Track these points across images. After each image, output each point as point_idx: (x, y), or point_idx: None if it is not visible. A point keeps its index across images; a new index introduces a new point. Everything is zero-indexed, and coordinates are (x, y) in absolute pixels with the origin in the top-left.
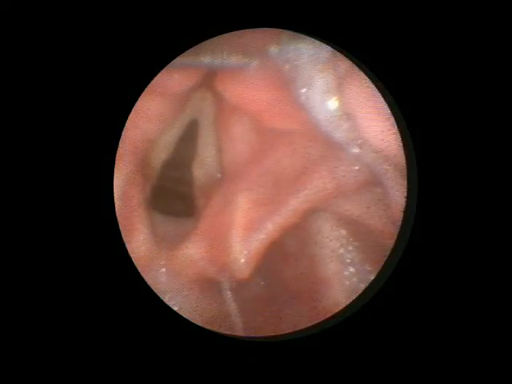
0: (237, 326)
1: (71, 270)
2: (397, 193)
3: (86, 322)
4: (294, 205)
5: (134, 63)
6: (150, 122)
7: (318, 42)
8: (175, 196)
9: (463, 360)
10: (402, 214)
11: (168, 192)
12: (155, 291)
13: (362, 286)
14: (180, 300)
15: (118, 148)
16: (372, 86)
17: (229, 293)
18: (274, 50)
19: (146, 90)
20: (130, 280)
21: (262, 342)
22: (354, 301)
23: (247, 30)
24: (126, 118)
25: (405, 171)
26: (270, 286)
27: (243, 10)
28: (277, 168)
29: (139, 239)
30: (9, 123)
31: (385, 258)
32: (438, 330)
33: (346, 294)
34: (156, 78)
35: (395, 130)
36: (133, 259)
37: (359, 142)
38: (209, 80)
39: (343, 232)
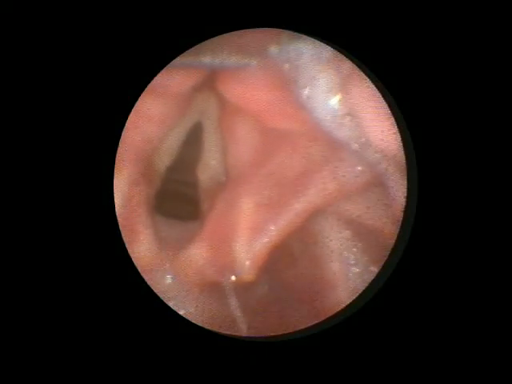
0: (240, 328)
1: (71, 270)
2: (397, 193)
3: (86, 321)
4: (297, 207)
5: (134, 63)
6: (150, 123)
7: (318, 42)
8: (179, 199)
9: (463, 360)
10: (402, 214)
11: (172, 195)
12: (159, 295)
13: (362, 286)
14: (184, 303)
15: (118, 148)
16: (372, 86)
17: (233, 295)
18: (274, 49)
19: (146, 90)
20: (134, 282)
21: (262, 342)
22: (354, 301)
23: (247, 30)
24: (126, 119)
25: (405, 171)
26: (274, 287)
27: (243, 9)
28: (279, 170)
29: (142, 242)
30: (9, 124)
31: (385, 258)
32: (438, 330)
33: (347, 294)
34: (156, 78)
35: (395, 129)
36: (134, 262)
37: (359, 141)
38: (210, 80)
39: (343, 232)
